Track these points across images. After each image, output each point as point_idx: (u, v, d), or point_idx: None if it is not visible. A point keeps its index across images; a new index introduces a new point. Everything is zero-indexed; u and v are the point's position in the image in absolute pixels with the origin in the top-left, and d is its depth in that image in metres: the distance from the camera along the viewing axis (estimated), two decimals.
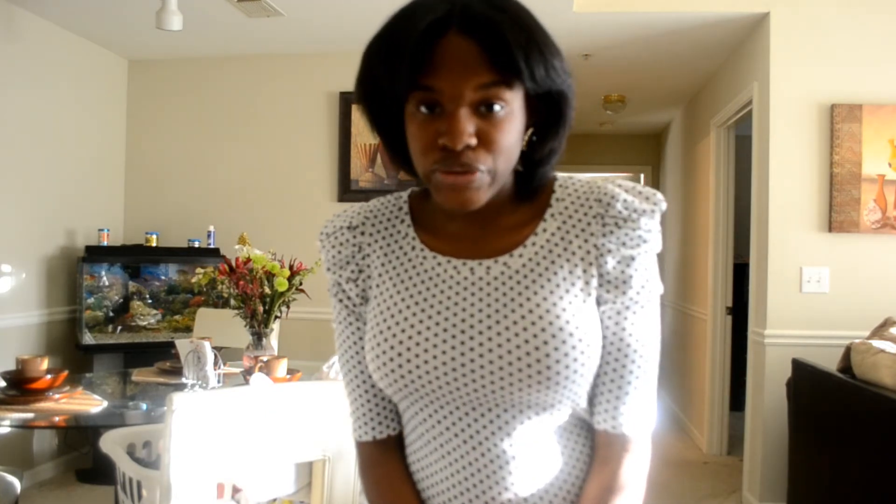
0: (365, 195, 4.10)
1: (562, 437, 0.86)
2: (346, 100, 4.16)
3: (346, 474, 1.81)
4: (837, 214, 3.21)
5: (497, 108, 0.76)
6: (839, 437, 2.59)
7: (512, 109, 0.77)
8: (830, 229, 3.23)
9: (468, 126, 0.75)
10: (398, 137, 0.83)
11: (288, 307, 2.71)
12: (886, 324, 2.78)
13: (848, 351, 2.63)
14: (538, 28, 0.77)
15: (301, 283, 2.67)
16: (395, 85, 0.76)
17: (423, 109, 0.77)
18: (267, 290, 2.59)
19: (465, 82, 0.74)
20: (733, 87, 3.96)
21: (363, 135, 4.14)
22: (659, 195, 0.84)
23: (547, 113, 0.82)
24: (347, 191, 4.15)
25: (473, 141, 0.76)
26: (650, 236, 0.83)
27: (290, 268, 2.64)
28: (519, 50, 0.73)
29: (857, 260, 3.24)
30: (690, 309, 5.04)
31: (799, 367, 2.93)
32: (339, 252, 0.91)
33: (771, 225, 3.28)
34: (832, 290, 3.25)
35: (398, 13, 0.78)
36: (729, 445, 4.41)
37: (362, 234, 0.91)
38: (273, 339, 2.96)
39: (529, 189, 0.87)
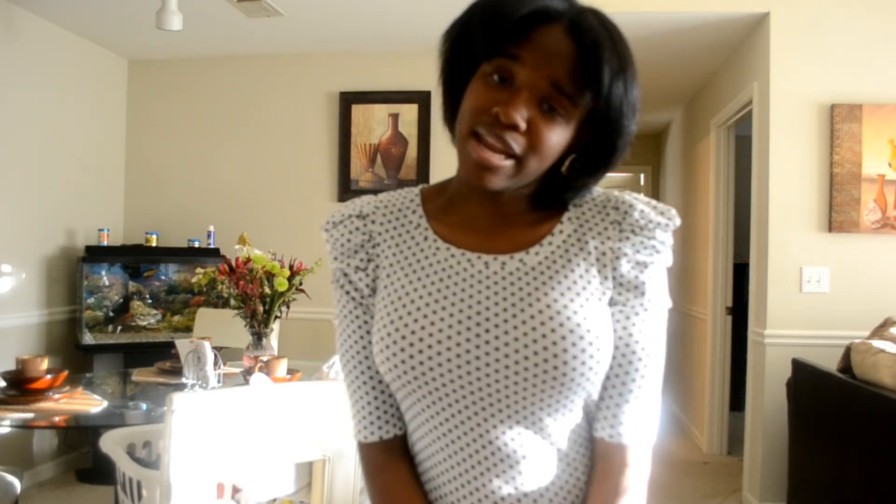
0: (365, 195, 4.11)
1: (568, 439, 0.85)
2: (346, 100, 4.17)
3: (346, 474, 1.81)
4: (837, 214, 3.21)
5: (557, 111, 0.78)
6: (839, 437, 2.59)
7: (568, 121, 0.79)
8: (830, 229, 3.22)
9: (525, 110, 0.77)
10: (458, 92, 0.83)
11: (288, 307, 2.71)
12: (886, 324, 2.78)
13: (848, 351, 2.63)
14: (632, 63, 0.79)
15: (301, 283, 2.67)
16: (488, 43, 0.77)
17: (495, 77, 0.78)
18: (267, 290, 2.60)
19: (547, 72, 0.76)
20: (733, 87, 3.96)
21: (363, 135, 4.15)
22: (673, 211, 0.85)
23: (596, 147, 0.83)
24: (347, 191, 4.16)
25: (523, 125, 0.77)
26: (663, 248, 0.85)
27: (290, 268, 2.64)
28: (610, 72, 0.76)
29: (857, 260, 3.23)
30: (690, 309, 5.04)
31: (799, 367, 2.93)
32: (349, 240, 0.89)
33: (771, 225, 3.28)
34: (832, 290, 3.25)
35: None
36: (729, 445, 4.41)
37: (373, 222, 0.90)
38: (273, 339, 2.96)
39: (549, 200, 0.88)
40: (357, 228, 0.90)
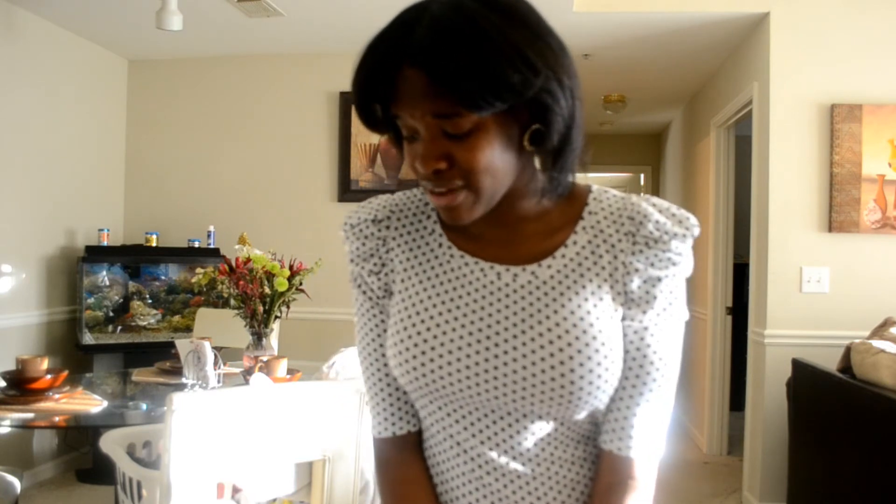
0: (365, 195, 4.06)
1: (579, 445, 0.86)
2: (346, 100, 4.16)
3: (346, 474, 1.81)
4: (837, 214, 3.21)
5: (459, 131, 0.74)
6: (839, 437, 2.59)
7: (481, 127, 0.74)
8: (830, 229, 3.22)
9: (433, 151, 0.76)
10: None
11: (288, 307, 2.71)
12: (886, 324, 2.78)
13: (848, 351, 2.63)
14: (489, 43, 0.71)
15: (301, 283, 2.67)
16: (376, 121, 0.79)
17: (405, 134, 0.78)
18: (267, 290, 2.59)
19: (421, 112, 0.74)
20: (733, 87, 3.96)
21: (363, 135, 4.14)
22: (693, 219, 0.83)
23: (534, 120, 0.77)
24: (347, 191, 4.15)
25: (442, 165, 0.76)
26: (680, 259, 0.83)
27: (290, 268, 2.64)
28: (459, 79, 0.70)
29: (857, 260, 3.23)
30: (690, 309, 5.02)
31: (799, 367, 2.93)
32: (364, 244, 0.90)
33: (771, 225, 3.28)
34: (832, 290, 3.25)
35: (366, 47, 0.77)
36: (729, 445, 4.41)
37: (387, 227, 0.90)
38: (273, 339, 2.96)
39: (551, 192, 0.83)
40: (372, 234, 0.90)
